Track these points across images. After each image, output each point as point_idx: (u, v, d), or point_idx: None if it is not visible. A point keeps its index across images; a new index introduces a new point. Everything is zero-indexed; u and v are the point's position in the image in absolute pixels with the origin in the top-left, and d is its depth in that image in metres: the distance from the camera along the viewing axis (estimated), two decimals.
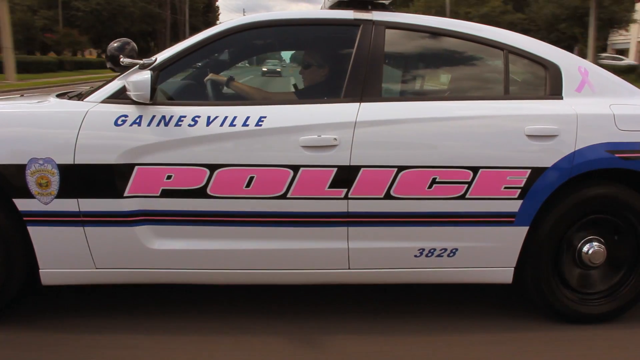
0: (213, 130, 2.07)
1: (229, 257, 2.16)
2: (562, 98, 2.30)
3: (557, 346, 2.18)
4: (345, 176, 2.10)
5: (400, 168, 2.11)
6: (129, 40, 2.15)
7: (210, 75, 2.39)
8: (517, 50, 2.32)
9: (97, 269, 2.14)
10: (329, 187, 2.10)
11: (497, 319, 2.37)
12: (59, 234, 2.08)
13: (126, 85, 2.05)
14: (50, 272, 2.14)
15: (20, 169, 2.02)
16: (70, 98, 2.28)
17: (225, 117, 2.08)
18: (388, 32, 2.27)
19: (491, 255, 2.25)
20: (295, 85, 2.60)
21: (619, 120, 2.26)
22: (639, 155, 2.25)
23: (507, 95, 2.30)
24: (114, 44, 2.12)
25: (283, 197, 2.09)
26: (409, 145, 2.14)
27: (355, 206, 2.13)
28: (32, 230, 2.07)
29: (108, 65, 2.13)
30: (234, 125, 2.08)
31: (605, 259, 2.33)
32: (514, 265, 2.27)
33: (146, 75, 2.00)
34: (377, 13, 2.29)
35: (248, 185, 2.08)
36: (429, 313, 2.40)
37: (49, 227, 2.08)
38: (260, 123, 2.09)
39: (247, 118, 2.09)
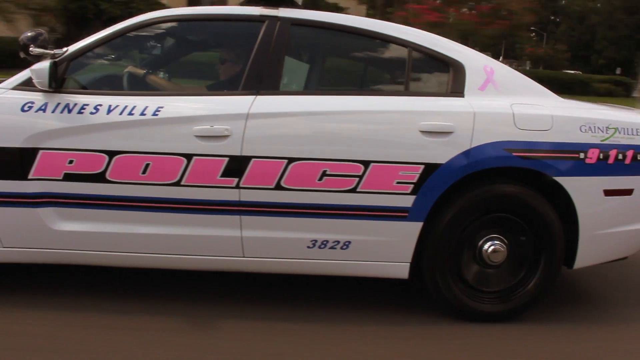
0: (112, 118, 2.17)
1: (127, 241, 2.25)
2: (463, 96, 2.32)
3: (450, 341, 2.20)
4: (236, 166, 2.17)
5: (291, 160, 2.17)
6: (43, 31, 2.27)
7: (129, 68, 2.50)
8: (421, 48, 2.36)
9: (4, 247, 2.26)
10: (221, 176, 2.17)
11: (396, 314, 2.40)
12: None
13: (30, 74, 2.17)
14: None
15: None
16: None
17: (125, 107, 2.19)
18: (293, 28, 2.34)
19: (386, 250, 2.28)
20: (215, 80, 2.69)
21: (518, 120, 2.26)
22: (537, 155, 2.25)
23: (406, 91, 2.33)
24: (27, 34, 2.25)
25: (177, 184, 2.17)
26: (300, 138, 2.19)
27: (247, 195, 2.19)
28: None
29: (21, 54, 2.25)
30: (132, 115, 2.18)
31: (505, 258, 2.33)
32: (410, 260, 2.29)
33: (45, 64, 2.12)
34: (284, 10, 2.36)
35: (144, 171, 2.17)
36: (323, 303, 2.45)
37: None
38: (157, 113, 2.18)
39: (145, 108, 2.18)
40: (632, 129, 2.36)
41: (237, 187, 2.18)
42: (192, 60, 2.62)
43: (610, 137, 2.33)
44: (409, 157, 2.19)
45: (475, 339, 2.23)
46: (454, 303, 2.32)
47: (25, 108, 2.19)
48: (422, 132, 2.20)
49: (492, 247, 2.31)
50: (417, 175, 2.19)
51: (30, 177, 2.18)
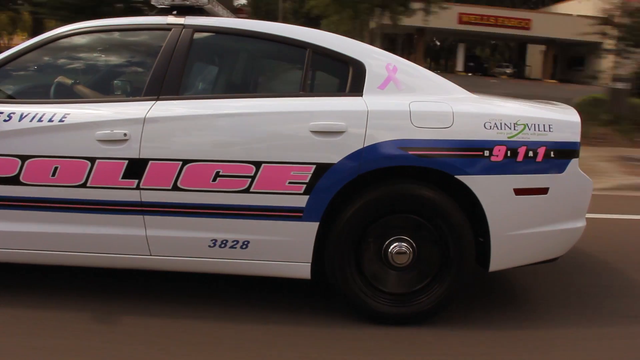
0: (24, 125, 2.33)
1: (41, 240, 2.39)
2: (361, 95, 2.29)
3: (357, 343, 2.18)
4: (135, 168, 2.26)
5: (185, 162, 2.23)
6: None
7: (60, 78, 2.66)
8: (320, 49, 2.35)
9: None
10: (122, 178, 2.27)
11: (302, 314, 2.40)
12: None
13: None
14: None
15: None
16: None
17: (36, 114, 2.33)
18: (196, 35, 2.41)
19: (285, 250, 2.29)
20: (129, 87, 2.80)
21: (414, 117, 2.21)
22: (436, 153, 2.20)
23: (302, 92, 2.33)
24: None
25: (83, 185, 2.29)
26: (194, 140, 2.26)
27: (147, 196, 2.28)
28: None
29: None
30: (41, 121, 2.32)
31: (411, 261, 2.28)
32: (310, 260, 2.29)
33: None
34: (190, 18, 2.44)
35: (53, 174, 2.31)
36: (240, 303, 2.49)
37: None
38: (63, 119, 2.31)
39: (53, 115, 2.32)
40: (543, 125, 2.24)
41: (138, 188, 2.27)
42: (112, 69, 2.74)
43: (518, 133, 2.23)
44: (300, 157, 2.20)
45: (378, 341, 2.20)
46: (355, 301, 2.30)
47: None
48: (313, 132, 2.20)
49: (397, 249, 2.27)
50: (309, 176, 2.19)
51: None
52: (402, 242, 2.28)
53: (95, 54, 2.72)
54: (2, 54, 2.47)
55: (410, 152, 2.19)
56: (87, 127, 2.30)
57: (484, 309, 2.50)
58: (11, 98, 2.52)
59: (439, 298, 2.29)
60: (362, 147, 2.19)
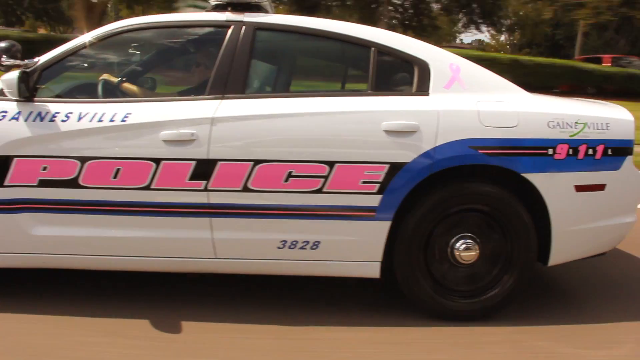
0: (83, 125, 2.23)
1: (101, 244, 2.30)
2: (428, 94, 2.32)
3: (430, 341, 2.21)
4: (203, 169, 2.21)
5: (256, 162, 2.20)
6: (15, 42, 2.34)
7: (104, 76, 2.56)
8: (385, 48, 2.37)
9: None
10: (189, 180, 2.22)
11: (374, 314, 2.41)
12: None
13: (1, 84, 2.25)
14: None
15: None
16: None
17: (95, 114, 2.24)
18: (258, 32, 2.38)
19: (356, 249, 2.30)
20: (189, 86, 2.74)
21: (483, 117, 2.26)
22: (504, 152, 2.25)
23: (371, 92, 2.34)
24: (0, 45, 2.32)
25: (147, 188, 2.22)
26: (265, 140, 2.22)
27: (215, 198, 2.23)
28: None
29: None
30: (102, 121, 2.23)
31: (477, 257, 2.33)
32: (380, 259, 2.31)
33: (14, 74, 2.19)
34: (249, 15, 2.40)
35: (115, 176, 2.22)
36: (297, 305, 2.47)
37: None
38: (125, 119, 2.23)
39: (114, 114, 2.24)
40: (601, 124, 2.34)
41: (205, 189, 2.22)
42: (165, 66, 2.67)
43: (579, 132, 2.31)
44: (374, 157, 2.21)
45: (446, 339, 2.23)
46: (425, 301, 2.33)
47: None
48: (386, 131, 2.21)
49: (464, 246, 2.32)
50: (383, 175, 2.21)
51: (6, 184, 2.25)
52: (469, 239, 2.32)
53: (150, 50, 2.63)
54: (57, 49, 2.36)
55: (480, 151, 2.24)
56: (151, 127, 2.22)
57: (539, 303, 2.57)
58: (67, 96, 2.41)
59: (506, 293, 2.34)
60: (434, 146, 2.22)
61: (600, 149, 2.33)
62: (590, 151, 2.32)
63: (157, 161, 2.21)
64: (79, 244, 2.31)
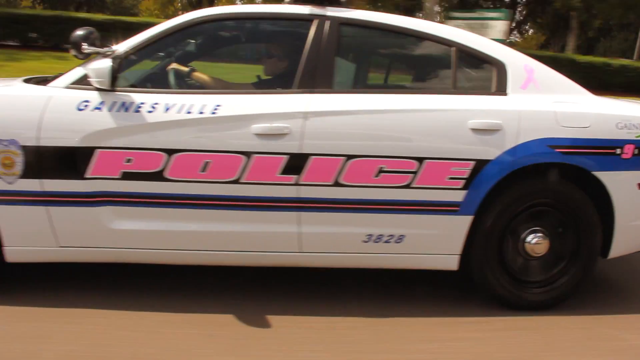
0: (170, 117, 2.18)
1: (185, 238, 2.27)
2: (507, 94, 2.41)
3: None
4: (295, 163, 2.21)
5: (349, 157, 2.22)
6: (93, 29, 2.25)
7: (174, 65, 2.50)
8: (466, 48, 2.44)
9: (60, 247, 2.25)
10: (280, 174, 2.21)
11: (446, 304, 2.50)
12: (23, 212, 2.19)
13: (87, 73, 2.16)
14: (15, 249, 2.24)
15: None
16: (37, 83, 2.39)
17: (183, 105, 2.20)
18: (342, 27, 2.39)
19: (437, 242, 2.37)
20: (258, 76, 2.72)
21: (560, 117, 2.37)
22: (578, 151, 2.37)
23: (454, 90, 2.41)
24: (79, 32, 2.22)
25: (236, 181, 2.20)
26: (358, 136, 2.25)
27: (306, 192, 2.24)
28: None
29: (72, 52, 2.23)
30: (190, 113, 2.19)
31: (547, 250, 2.44)
32: (460, 252, 2.39)
33: (107, 63, 2.11)
34: (331, 9, 2.41)
35: (203, 169, 2.19)
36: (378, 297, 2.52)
37: (13, 206, 2.18)
38: (215, 111, 2.20)
39: (204, 106, 2.20)
40: None
41: (297, 183, 2.22)
42: (235, 56, 2.63)
43: None
44: (461, 153, 2.28)
45: (519, 329, 2.34)
46: (500, 292, 2.43)
47: (81, 107, 2.17)
48: (472, 129, 2.29)
49: (535, 239, 2.43)
50: (469, 171, 2.28)
51: (87, 176, 2.17)
52: (540, 233, 2.44)
53: (231, 41, 2.59)
54: (135, 37, 2.28)
55: (557, 150, 2.35)
56: (242, 120, 2.20)
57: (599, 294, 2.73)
58: (140, 86, 2.34)
59: (573, 283, 2.48)
60: (516, 144, 2.31)
61: None
62: None
63: (248, 155, 2.19)
64: (162, 239, 2.26)
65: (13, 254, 2.25)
